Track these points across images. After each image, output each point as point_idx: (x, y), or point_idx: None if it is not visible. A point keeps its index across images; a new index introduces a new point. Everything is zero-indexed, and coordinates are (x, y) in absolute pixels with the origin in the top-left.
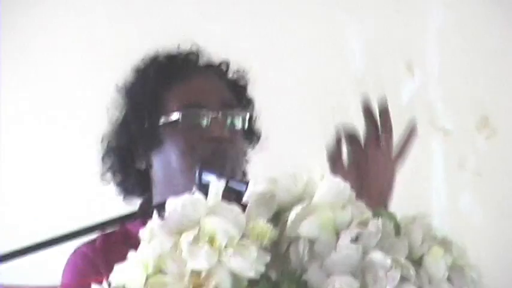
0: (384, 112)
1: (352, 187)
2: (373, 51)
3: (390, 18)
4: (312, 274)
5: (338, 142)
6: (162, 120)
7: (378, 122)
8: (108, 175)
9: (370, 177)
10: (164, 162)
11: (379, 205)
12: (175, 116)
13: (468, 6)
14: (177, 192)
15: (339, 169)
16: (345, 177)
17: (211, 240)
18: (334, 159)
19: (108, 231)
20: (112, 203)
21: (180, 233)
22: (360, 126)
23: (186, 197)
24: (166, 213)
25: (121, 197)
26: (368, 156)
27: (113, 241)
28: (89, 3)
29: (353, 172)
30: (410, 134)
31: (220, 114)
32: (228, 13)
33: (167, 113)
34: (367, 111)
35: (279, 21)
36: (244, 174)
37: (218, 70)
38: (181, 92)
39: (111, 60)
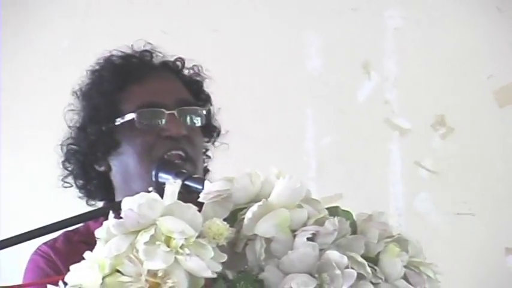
0: None
1: None
2: (330, 51)
3: (347, 19)
4: (269, 273)
5: None
6: (118, 121)
7: None
8: (70, 179)
9: None
10: (123, 164)
11: None
12: (130, 116)
13: (424, 7)
14: (136, 194)
15: None
16: None
17: (168, 240)
18: None
19: (70, 229)
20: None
21: (136, 232)
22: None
23: (142, 197)
24: (123, 213)
25: (84, 201)
26: None
27: (75, 240)
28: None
29: None
30: None
31: (176, 112)
32: (190, 16)
33: (123, 114)
34: None
35: (236, 22)
36: (206, 170)
37: (173, 67)
38: (137, 92)
39: None
